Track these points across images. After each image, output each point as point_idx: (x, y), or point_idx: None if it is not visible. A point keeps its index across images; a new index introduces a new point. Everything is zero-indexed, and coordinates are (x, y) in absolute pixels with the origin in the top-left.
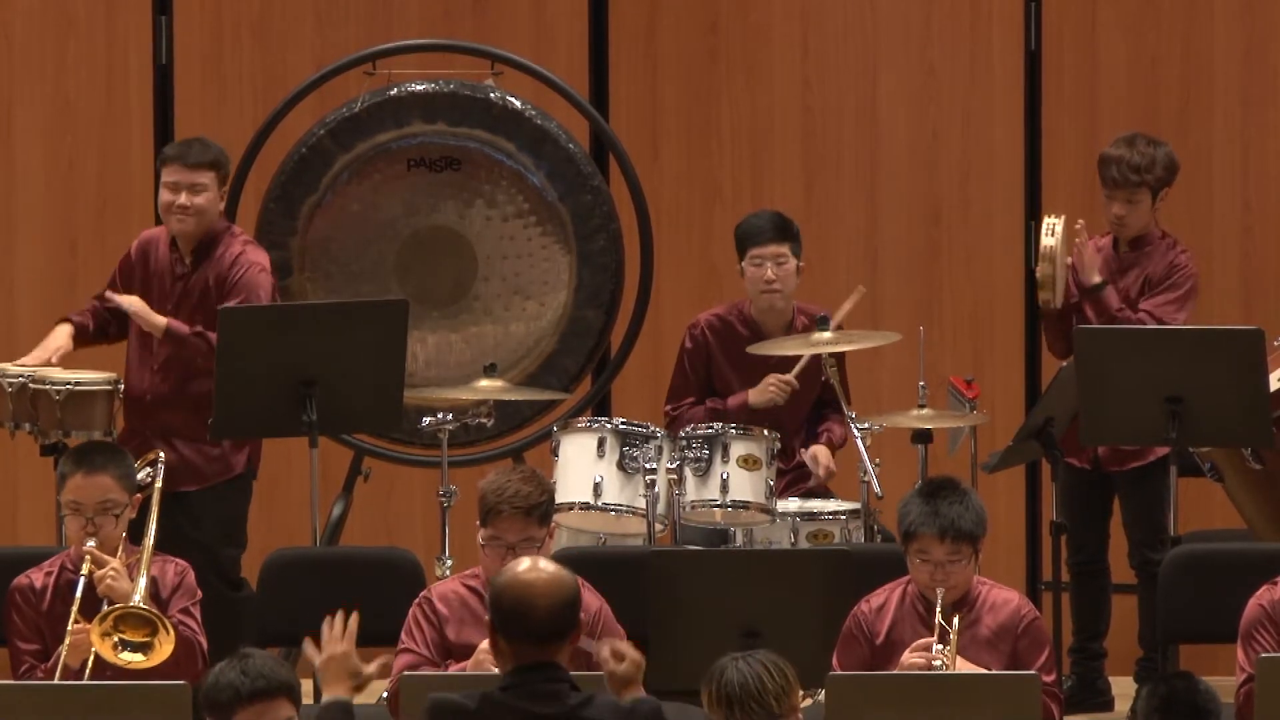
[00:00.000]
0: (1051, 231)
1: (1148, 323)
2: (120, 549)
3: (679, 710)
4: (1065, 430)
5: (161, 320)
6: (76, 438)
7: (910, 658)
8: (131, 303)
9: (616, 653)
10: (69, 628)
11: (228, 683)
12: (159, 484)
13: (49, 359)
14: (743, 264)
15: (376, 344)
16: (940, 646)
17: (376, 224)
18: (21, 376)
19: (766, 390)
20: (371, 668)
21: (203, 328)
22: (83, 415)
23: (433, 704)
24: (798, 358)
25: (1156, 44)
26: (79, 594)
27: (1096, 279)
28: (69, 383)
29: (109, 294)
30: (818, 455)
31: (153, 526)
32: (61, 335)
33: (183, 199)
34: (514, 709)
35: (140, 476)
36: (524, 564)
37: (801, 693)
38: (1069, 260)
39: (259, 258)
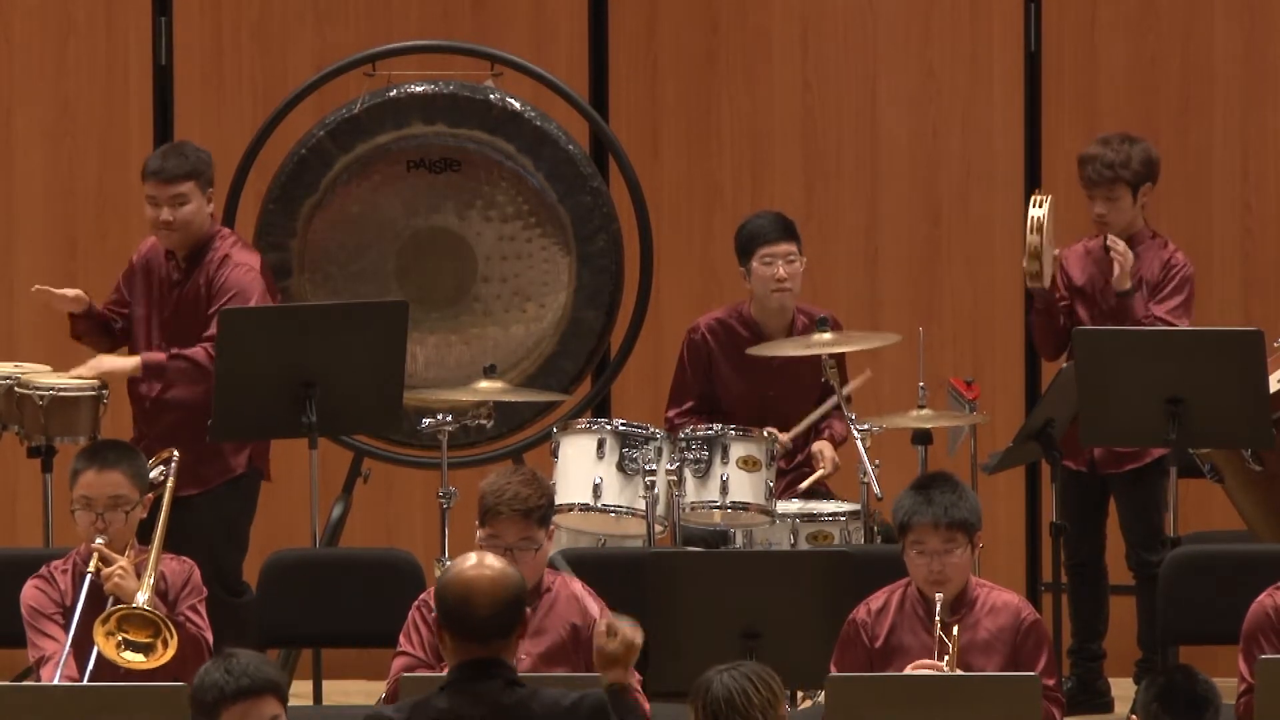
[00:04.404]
0: (1040, 204)
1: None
2: (129, 548)
3: (679, 713)
4: (1065, 431)
5: (134, 359)
6: (61, 443)
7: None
8: (99, 365)
9: (612, 627)
10: (72, 624)
11: (212, 682)
12: (171, 483)
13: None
14: (751, 264)
15: (376, 345)
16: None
17: (376, 225)
18: (8, 379)
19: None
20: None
21: (177, 348)
22: (66, 421)
23: None
24: (798, 358)
25: (1156, 44)
26: (84, 591)
27: (1128, 284)
28: (53, 388)
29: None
30: (823, 450)
31: (162, 526)
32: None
33: (165, 214)
34: (445, 713)
35: (154, 475)
36: (469, 560)
37: (801, 694)
38: (1057, 252)
39: (246, 258)
